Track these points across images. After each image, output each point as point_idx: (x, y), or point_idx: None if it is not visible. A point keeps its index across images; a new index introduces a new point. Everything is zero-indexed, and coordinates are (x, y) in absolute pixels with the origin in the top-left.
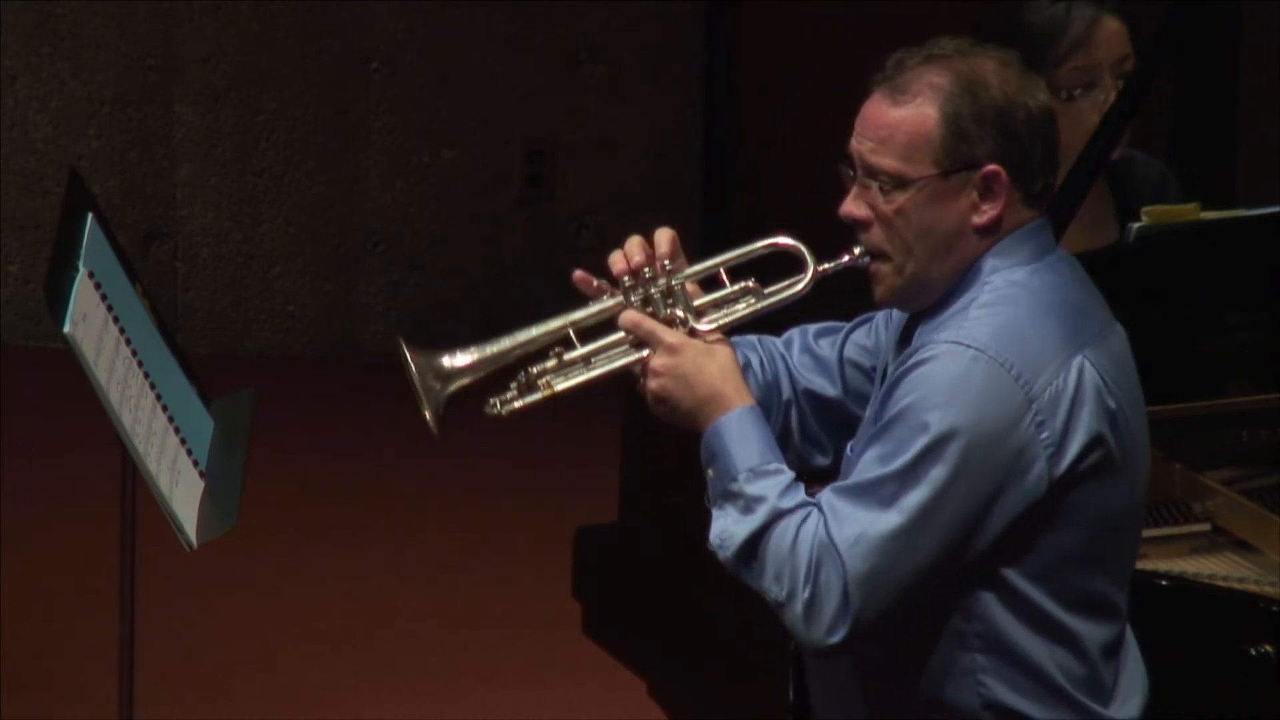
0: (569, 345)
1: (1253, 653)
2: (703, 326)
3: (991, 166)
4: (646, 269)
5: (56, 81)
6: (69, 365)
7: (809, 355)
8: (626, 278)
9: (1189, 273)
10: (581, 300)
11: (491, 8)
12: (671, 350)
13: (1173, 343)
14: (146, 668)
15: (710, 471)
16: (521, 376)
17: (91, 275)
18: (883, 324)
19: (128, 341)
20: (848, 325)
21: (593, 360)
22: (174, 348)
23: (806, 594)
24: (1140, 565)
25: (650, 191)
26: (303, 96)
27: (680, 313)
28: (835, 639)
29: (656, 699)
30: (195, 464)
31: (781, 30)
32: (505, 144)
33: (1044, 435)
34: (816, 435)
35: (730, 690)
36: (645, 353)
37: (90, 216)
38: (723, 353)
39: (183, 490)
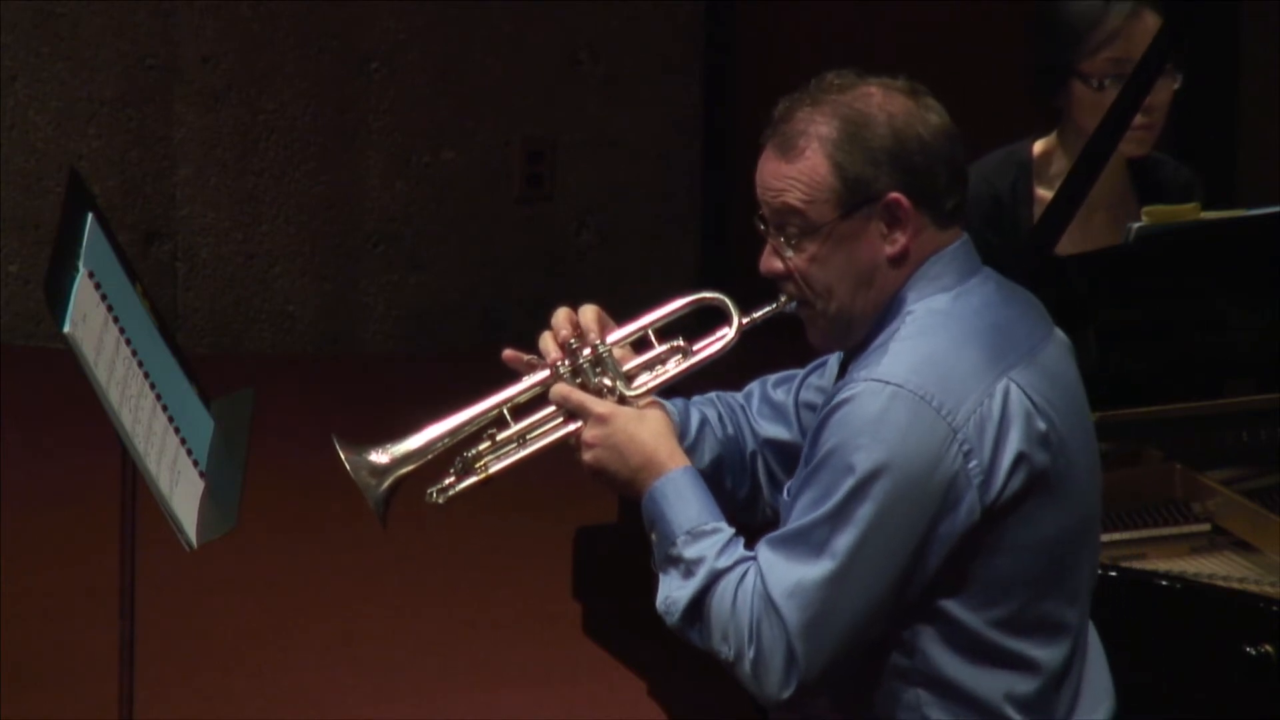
0: (502, 425)
1: (1253, 653)
2: (633, 392)
3: (892, 195)
4: (573, 340)
5: (56, 81)
6: (69, 365)
7: (767, 404)
8: (554, 350)
9: (1189, 273)
10: (513, 377)
11: (491, 8)
12: (602, 421)
13: (1173, 343)
14: (146, 668)
15: (653, 537)
16: (458, 462)
17: (91, 275)
18: (835, 363)
19: (128, 341)
20: (804, 370)
21: (527, 438)
22: (174, 348)
23: (752, 653)
24: (1140, 565)
25: (650, 191)
26: (303, 96)
27: (609, 381)
28: (787, 693)
29: (656, 699)
30: (195, 464)
31: (781, 30)
32: (505, 144)
33: (972, 465)
34: (784, 483)
35: (730, 690)
36: (578, 425)
37: (90, 216)
38: (654, 417)
39: (183, 490)
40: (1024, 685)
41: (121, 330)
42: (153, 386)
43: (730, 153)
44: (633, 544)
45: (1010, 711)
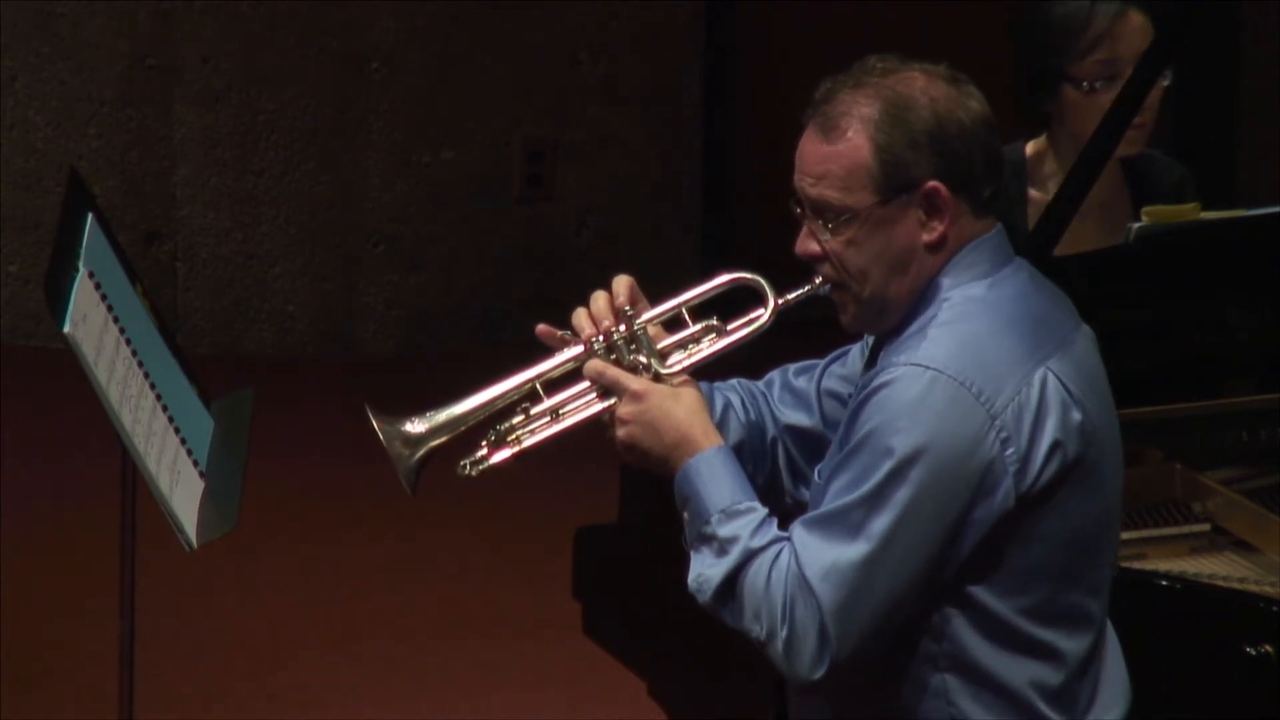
0: (536, 399)
1: (1253, 653)
2: (667, 370)
3: (931, 183)
4: (606, 319)
5: (56, 81)
6: (69, 365)
7: (789, 392)
8: (588, 326)
9: (1189, 273)
10: (546, 352)
11: (491, 8)
12: (636, 397)
13: (1173, 343)
14: (146, 668)
15: (685, 515)
16: (491, 434)
17: (91, 275)
18: (858, 353)
19: (128, 341)
20: (825, 359)
21: (560, 413)
22: (174, 348)
23: (785, 632)
24: (1140, 565)
25: (650, 191)
26: (303, 96)
27: (644, 358)
28: (819, 674)
29: (656, 699)
30: (195, 464)
31: (781, 30)
32: (505, 144)
33: (1009, 452)
34: (803, 470)
35: (730, 690)
36: (612, 401)
37: (90, 216)
38: (688, 395)
39: (183, 490)
40: (1049, 675)
41: (121, 330)
42: (153, 386)
43: (730, 153)
44: (633, 544)
45: (1036, 700)
